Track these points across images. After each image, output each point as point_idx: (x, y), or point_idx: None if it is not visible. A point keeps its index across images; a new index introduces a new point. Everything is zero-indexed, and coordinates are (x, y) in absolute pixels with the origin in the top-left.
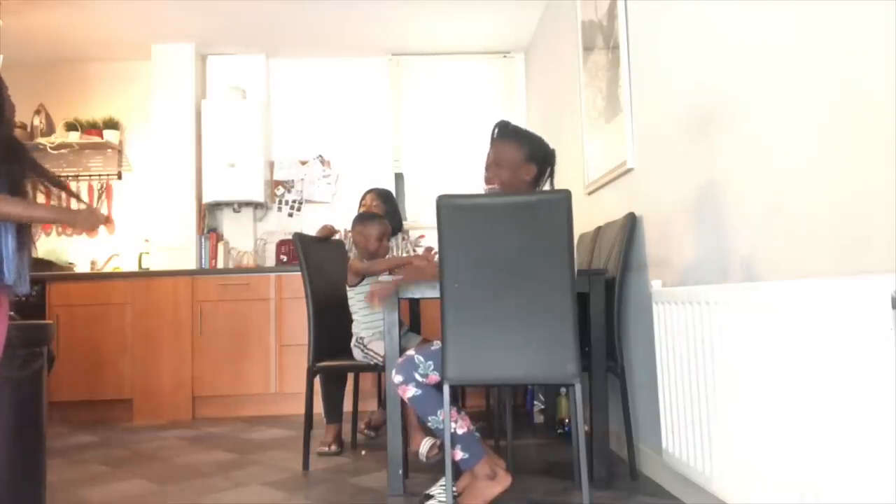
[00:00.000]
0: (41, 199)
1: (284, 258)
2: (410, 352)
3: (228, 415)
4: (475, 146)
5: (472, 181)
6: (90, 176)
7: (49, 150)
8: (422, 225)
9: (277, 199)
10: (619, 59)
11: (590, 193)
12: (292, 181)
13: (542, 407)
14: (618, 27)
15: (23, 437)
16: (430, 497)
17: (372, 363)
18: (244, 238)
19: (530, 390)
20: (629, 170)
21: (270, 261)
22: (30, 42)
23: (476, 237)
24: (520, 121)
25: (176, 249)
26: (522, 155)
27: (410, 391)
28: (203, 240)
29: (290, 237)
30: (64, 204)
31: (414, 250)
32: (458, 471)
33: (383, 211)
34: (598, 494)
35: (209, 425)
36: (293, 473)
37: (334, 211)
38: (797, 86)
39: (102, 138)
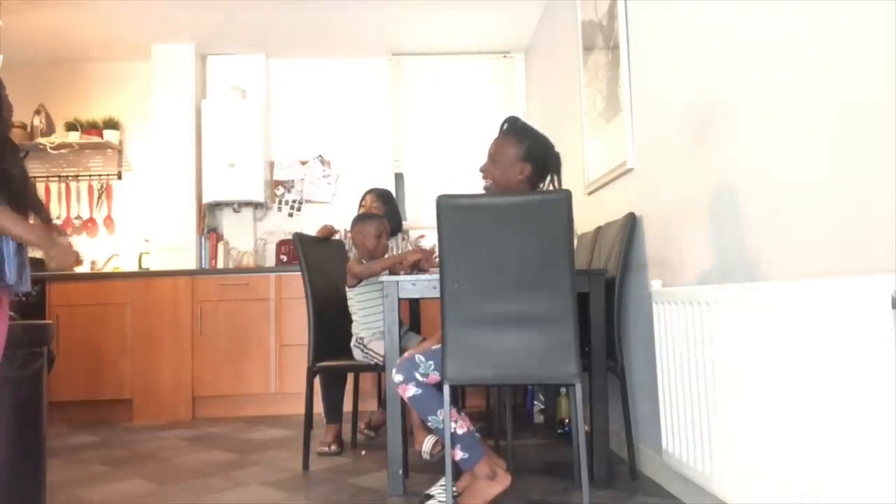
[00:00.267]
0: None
1: (284, 258)
2: (411, 351)
3: (228, 415)
4: (475, 146)
5: (472, 181)
6: (90, 176)
7: (49, 150)
8: (422, 225)
9: (277, 199)
10: (619, 59)
11: (590, 193)
12: (292, 181)
13: (542, 407)
14: (618, 27)
15: (23, 437)
16: (430, 497)
17: (372, 363)
18: (244, 238)
19: (530, 390)
20: (629, 170)
21: (270, 261)
22: (30, 42)
23: (476, 237)
24: None
25: (176, 249)
26: (520, 153)
27: (410, 391)
28: (203, 240)
29: (290, 237)
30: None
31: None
32: (458, 471)
33: (383, 211)
34: (598, 494)
35: (209, 425)
36: (293, 473)
37: (334, 211)
38: (797, 86)
39: (102, 138)
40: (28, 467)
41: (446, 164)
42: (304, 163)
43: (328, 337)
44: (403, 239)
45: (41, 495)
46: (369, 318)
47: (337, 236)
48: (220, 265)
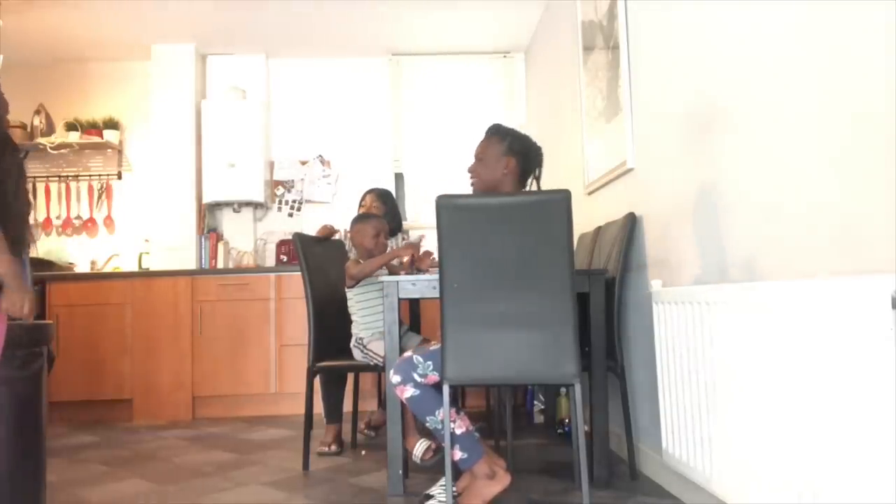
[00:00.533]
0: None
1: (284, 258)
2: (409, 352)
3: (228, 415)
4: (475, 146)
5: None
6: (90, 176)
7: (49, 150)
8: (422, 225)
9: (277, 199)
10: (619, 59)
11: (590, 193)
12: (292, 181)
13: (542, 407)
14: (618, 27)
15: (23, 437)
16: (430, 497)
17: (372, 363)
18: (244, 238)
19: (530, 390)
20: (629, 170)
21: (270, 261)
22: (30, 42)
23: (476, 237)
24: (520, 121)
25: (176, 249)
26: (503, 148)
27: (409, 391)
28: (203, 240)
29: (290, 237)
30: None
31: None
32: (457, 471)
33: (383, 211)
34: (598, 494)
35: (209, 425)
36: (293, 473)
37: (334, 211)
38: (797, 86)
39: (102, 138)
40: (28, 467)
41: (446, 164)
42: (304, 163)
43: (328, 337)
44: (403, 239)
45: (41, 495)
46: (369, 318)
47: (337, 236)
48: (220, 265)
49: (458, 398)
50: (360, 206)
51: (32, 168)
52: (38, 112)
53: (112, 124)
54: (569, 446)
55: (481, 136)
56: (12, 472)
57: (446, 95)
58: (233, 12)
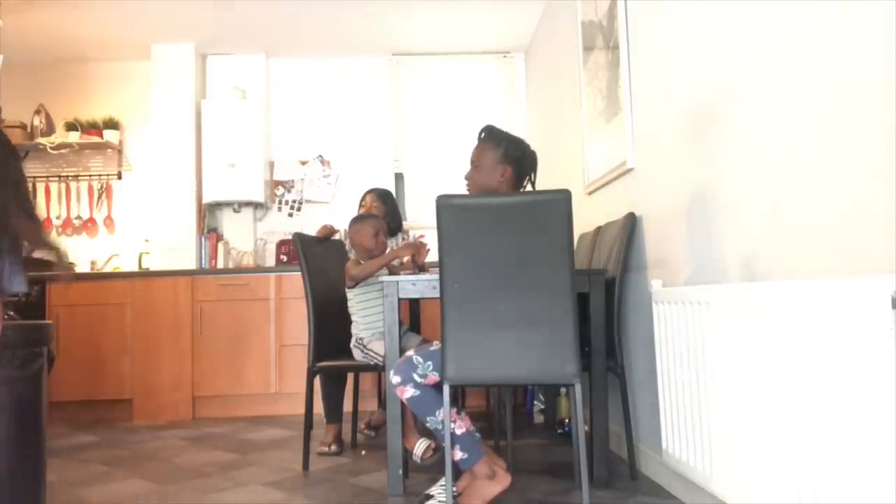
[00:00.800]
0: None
1: (284, 258)
2: (409, 352)
3: (228, 415)
4: (471, 149)
5: None
6: (90, 176)
7: (49, 150)
8: (422, 225)
9: (277, 199)
10: (619, 59)
11: (590, 193)
12: (292, 181)
13: (542, 407)
14: (618, 27)
15: (23, 437)
16: (430, 497)
17: (372, 363)
18: (244, 238)
19: (530, 390)
20: (629, 170)
21: (270, 261)
22: (30, 42)
23: (476, 237)
24: (520, 121)
25: (176, 249)
26: (498, 156)
27: (409, 392)
28: (203, 240)
29: (290, 237)
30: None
31: None
32: (457, 471)
33: (383, 211)
34: (598, 494)
35: (209, 425)
36: (293, 473)
37: (334, 211)
38: (797, 85)
39: (102, 138)
40: (28, 467)
41: (446, 164)
42: (304, 163)
43: (328, 337)
44: (403, 239)
45: (41, 495)
46: (369, 318)
47: (337, 236)
48: (220, 265)
49: (459, 398)
50: (360, 205)
51: (33, 168)
52: (38, 112)
53: (112, 124)
54: (569, 446)
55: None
56: (12, 472)
57: (446, 95)
58: (233, 12)
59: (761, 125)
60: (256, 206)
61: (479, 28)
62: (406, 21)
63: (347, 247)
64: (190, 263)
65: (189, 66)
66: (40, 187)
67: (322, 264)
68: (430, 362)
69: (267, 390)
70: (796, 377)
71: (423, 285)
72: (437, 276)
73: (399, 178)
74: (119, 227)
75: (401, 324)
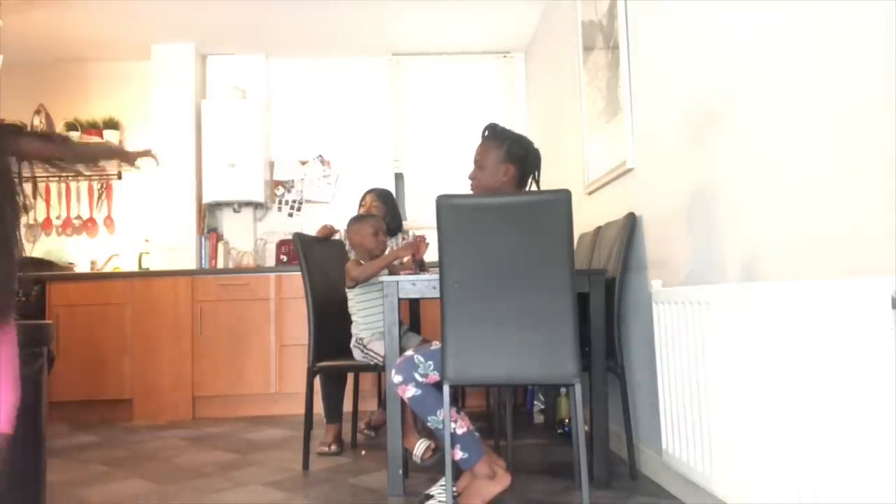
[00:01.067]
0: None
1: (284, 258)
2: (410, 352)
3: (228, 415)
4: (475, 146)
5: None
6: (90, 176)
7: None
8: (422, 225)
9: (277, 199)
10: (619, 59)
11: (590, 193)
12: (292, 181)
13: (542, 407)
14: (618, 27)
15: (23, 437)
16: (430, 497)
17: (372, 363)
18: (244, 238)
19: (530, 390)
20: (629, 170)
21: (270, 261)
22: (30, 42)
23: (476, 237)
24: (520, 121)
25: (176, 249)
26: (501, 155)
27: (410, 391)
28: (203, 240)
29: (290, 237)
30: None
31: None
32: (457, 471)
33: (383, 211)
34: (598, 494)
35: (209, 425)
36: (293, 473)
37: (334, 211)
38: (797, 86)
39: (102, 138)
40: (28, 467)
41: (446, 164)
42: (304, 163)
43: (328, 337)
44: (403, 239)
45: (41, 495)
46: (369, 318)
47: (337, 236)
48: (220, 265)
49: (459, 398)
50: (360, 205)
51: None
52: (38, 112)
53: (112, 124)
54: (569, 446)
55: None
56: (12, 472)
57: (446, 95)
58: (233, 12)
59: (761, 125)
60: (256, 206)
61: (479, 28)
62: (406, 21)
63: (347, 247)
64: (190, 263)
65: (189, 66)
66: (40, 187)
67: (322, 264)
68: (430, 362)
69: (267, 390)
70: (796, 377)
71: (423, 285)
72: (437, 276)
73: (399, 178)
74: (119, 227)
75: (401, 324)
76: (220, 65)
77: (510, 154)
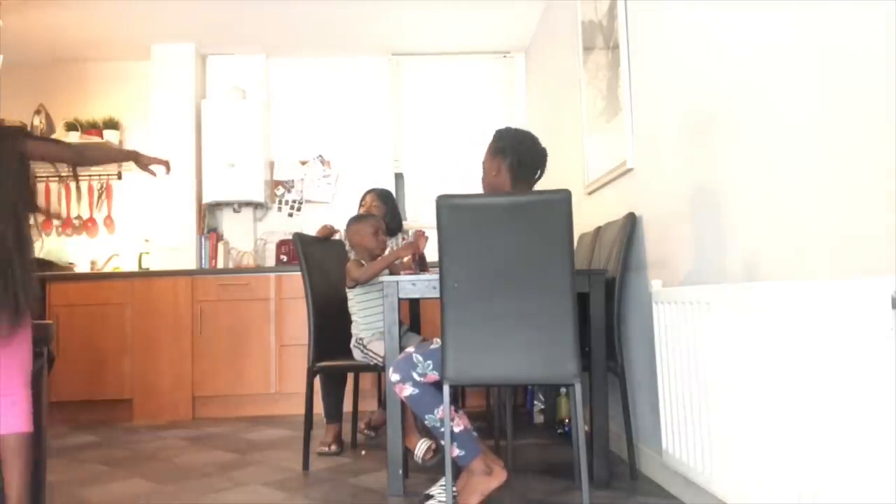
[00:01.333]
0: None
1: (284, 258)
2: (410, 349)
3: (228, 415)
4: (475, 146)
5: (472, 181)
6: (90, 176)
7: None
8: (422, 225)
9: (277, 199)
10: (619, 59)
11: (590, 193)
12: (292, 181)
13: (542, 407)
14: (618, 27)
15: None
16: (430, 497)
17: (372, 363)
18: (244, 238)
19: (530, 390)
20: (629, 170)
21: (270, 261)
22: (29, 42)
23: (476, 237)
24: (520, 121)
25: (176, 249)
26: (493, 150)
27: (408, 390)
28: (203, 240)
29: (290, 237)
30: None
31: None
32: (457, 471)
33: (383, 211)
34: (598, 494)
35: (209, 425)
36: (293, 473)
37: (334, 211)
38: (797, 86)
39: (102, 138)
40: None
41: (446, 164)
42: (304, 163)
43: (328, 337)
44: (403, 239)
45: (41, 495)
46: (369, 318)
47: (337, 236)
48: (220, 265)
49: (459, 398)
50: (361, 205)
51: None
52: (38, 112)
53: (112, 124)
54: (569, 446)
55: (481, 136)
56: None
57: (446, 95)
58: (233, 12)
59: (761, 125)
60: (256, 206)
61: (479, 28)
62: (406, 21)
63: (347, 247)
64: (190, 263)
65: (189, 66)
66: (40, 187)
67: (322, 264)
68: (430, 361)
69: (267, 390)
70: (796, 377)
71: (423, 285)
72: (437, 276)
73: (399, 178)
74: (119, 227)
75: (401, 324)
76: (220, 65)
77: (500, 150)
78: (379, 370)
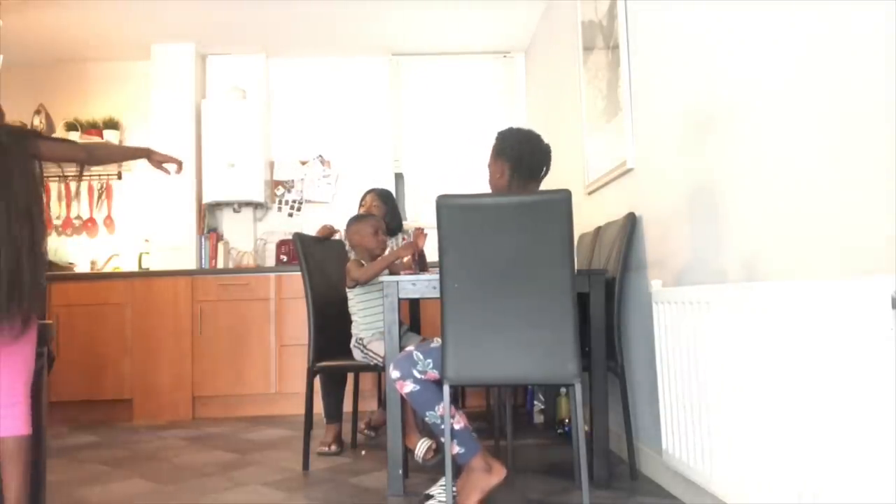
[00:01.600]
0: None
1: (284, 258)
2: (410, 347)
3: (228, 415)
4: (475, 146)
5: (472, 181)
6: (90, 176)
7: None
8: (422, 225)
9: (277, 199)
10: (619, 59)
11: (590, 193)
12: (292, 181)
13: (542, 407)
14: (618, 27)
15: None
16: (430, 497)
17: (372, 363)
18: (244, 238)
19: (530, 390)
20: (629, 170)
21: (270, 261)
22: (30, 42)
23: (476, 237)
24: (520, 121)
25: (176, 249)
26: (495, 151)
27: (408, 386)
28: (203, 240)
29: (290, 237)
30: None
31: None
32: (457, 471)
33: (383, 211)
34: (598, 494)
35: (209, 425)
36: (293, 473)
37: (334, 211)
38: (797, 86)
39: (102, 138)
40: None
41: (446, 164)
42: (304, 163)
43: (328, 337)
44: (403, 239)
45: (41, 495)
46: (369, 318)
47: (337, 236)
48: (220, 265)
49: (459, 398)
50: (361, 205)
51: None
52: (38, 112)
53: (112, 124)
54: (569, 446)
55: (481, 136)
56: None
57: (446, 95)
58: (233, 12)
59: (761, 124)
60: (256, 206)
61: (479, 28)
62: (406, 21)
63: (347, 247)
64: (190, 263)
65: (189, 66)
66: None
67: (322, 264)
68: (430, 360)
69: (267, 390)
70: (796, 377)
71: (423, 285)
72: (437, 276)
73: (399, 178)
74: (119, 227)
75: (401, 324)
76: (220, 65)
77: (502, 152)
78: (379, 370)
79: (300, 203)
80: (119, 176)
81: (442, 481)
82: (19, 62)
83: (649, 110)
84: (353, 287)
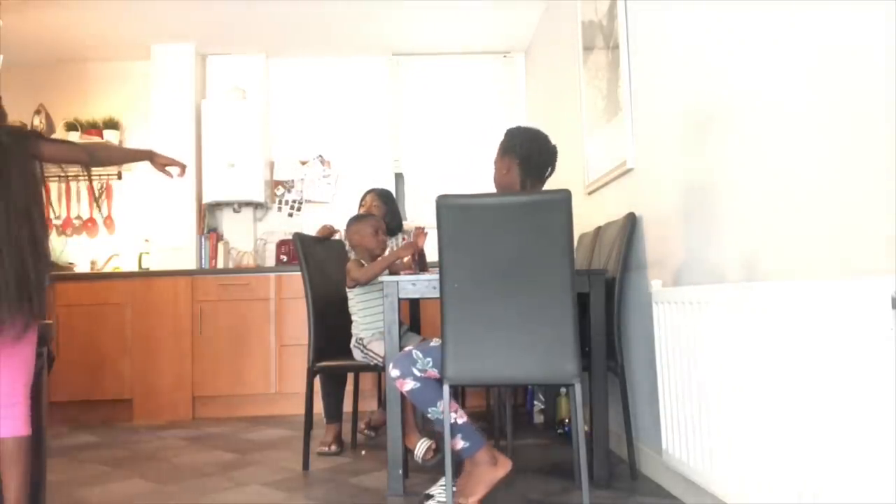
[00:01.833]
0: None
1: (284, 258)
2: (409, 347)
3: (228, 415)
4: (475, 146)
5: (472, 181)
6: (90, 176)
7: None
8: (422, 224)
9: (277, 199)
10: (619, 59)
11: (590, 193)
12: (292, 181)
13: (542, 407)
14: (618, 27)
15: None
16: (430, 497)
17: (372, 363)
18: (244, 238)
19: (530, 390)
20: (629, 170)
21: (270, 261)
22: (30, 42)
23: (476, 237)
24: (520, 121)
25: (176, 249)
26: (502, 149)
27: (409, 384)
28: (203, 240)
29: (290, 237)
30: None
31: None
32: (457, 470)
33: (383, 211)
34: (598, 494)
35: (209, 425)
36: (293, 473)
37: (334, 211)
38: (796, 86)
39: (102, 138)
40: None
41: (446, 164)
42: (304, 163)
43: (328, 337)
44: (403, 239)
45: (41, 495)
46: (369, 318)
47: (337, 236)
48: (220, 265)
49: (459, 398)
50: (361, 205)
51: None
52: (38, 112)
53: (112, 124)
54: (569, 446)
55: (481, 136)
56: None
57: (446, 95)
58: (233, 12)
59: (761, 124)
60: (256, 206)
61: (479, 28)
62: (406, 21)
63: (347, 247)
64: (190, 263)
65: (189, 66)
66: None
67: (322, 264)
68: (429, 359)
69: (267, 390)
70: (796, 377)
71: (423, 285)
72: (437, 276)
73: (399, 178)
74: (119, 227)
75: (401, 324)
76: (220, 65)
77: (510, 149)
78: (379, 370)
79: (300, 203)
80: (119, 176)
81: (442, 481)
82: (19, 62)
83: (649, 110)
84: (354, 287)
